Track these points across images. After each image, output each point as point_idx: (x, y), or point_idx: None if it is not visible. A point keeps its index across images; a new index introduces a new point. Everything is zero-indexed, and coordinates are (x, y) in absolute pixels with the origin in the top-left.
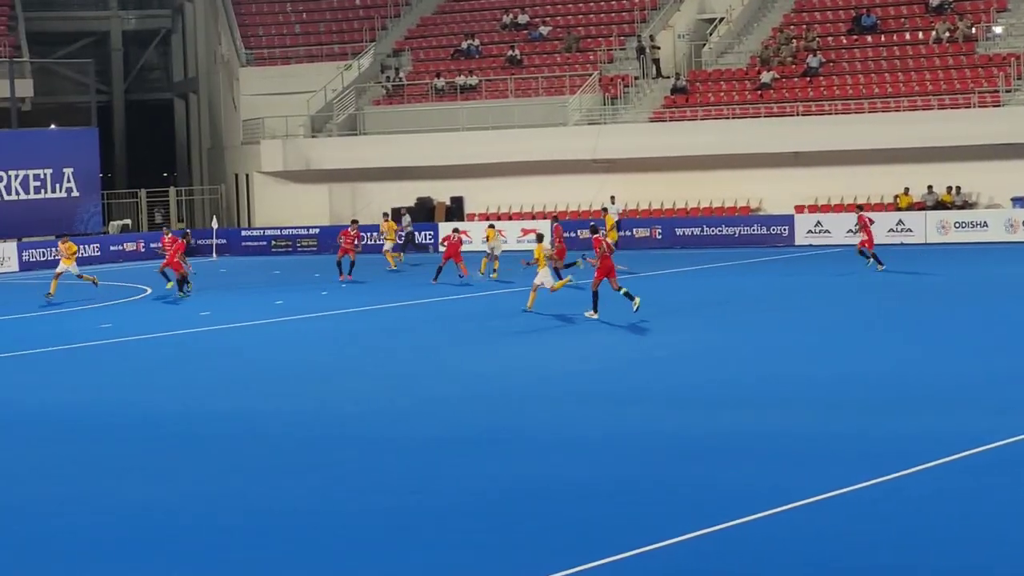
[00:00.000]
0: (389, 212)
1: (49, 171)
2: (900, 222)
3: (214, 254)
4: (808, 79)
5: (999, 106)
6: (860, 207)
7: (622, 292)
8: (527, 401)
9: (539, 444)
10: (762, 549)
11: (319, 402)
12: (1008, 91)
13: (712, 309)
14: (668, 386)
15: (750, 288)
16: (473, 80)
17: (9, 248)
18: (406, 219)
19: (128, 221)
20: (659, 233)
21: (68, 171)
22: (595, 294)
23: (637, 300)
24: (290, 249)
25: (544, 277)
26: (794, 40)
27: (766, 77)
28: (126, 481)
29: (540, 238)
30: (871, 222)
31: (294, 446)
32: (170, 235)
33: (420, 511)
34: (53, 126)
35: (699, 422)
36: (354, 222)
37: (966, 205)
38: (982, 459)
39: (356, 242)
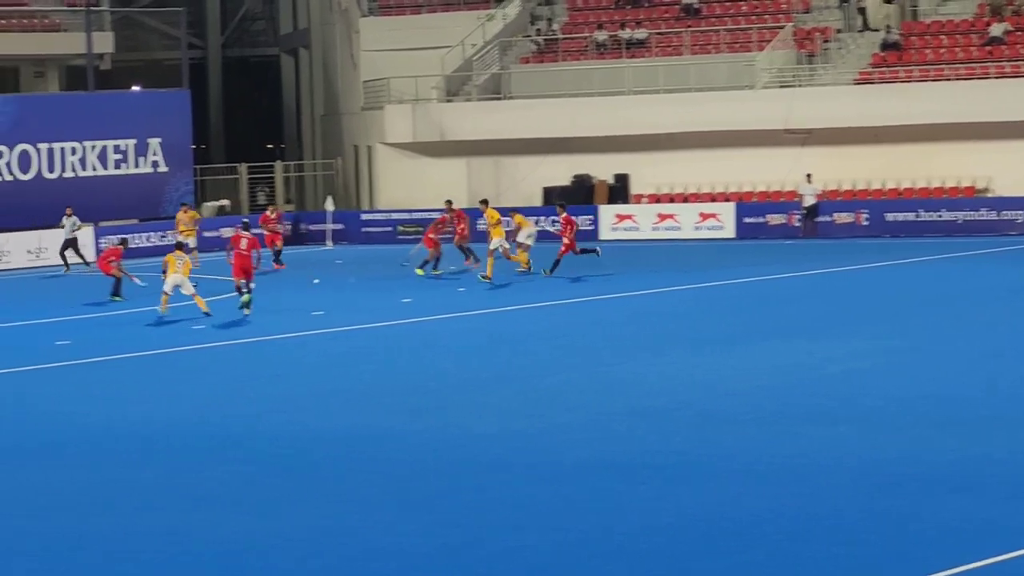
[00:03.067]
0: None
1: (132, 142)
2: None
3: (329, 242)
4: None
5: None
6: (563, 205)
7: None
8: (698, 420)
9: (716, 472)
10: None
11: (451, 420)
12: None
13: (926, 311)
14: (869, 403)
15: (975, 286)
16: (641, 33)
17: (84, 234)
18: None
19: (226, 202)
20: (865, 219)
21: (154, 142)
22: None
23: (245, 298)
24: (420, 236)
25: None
26: None
27: (997, 29)
28: (221, 513)
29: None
30: (573, 226)
31: (419, 473)
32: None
33: (576, 552)
34: (137, 88)
35: (905, 447)
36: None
37: None
38: None
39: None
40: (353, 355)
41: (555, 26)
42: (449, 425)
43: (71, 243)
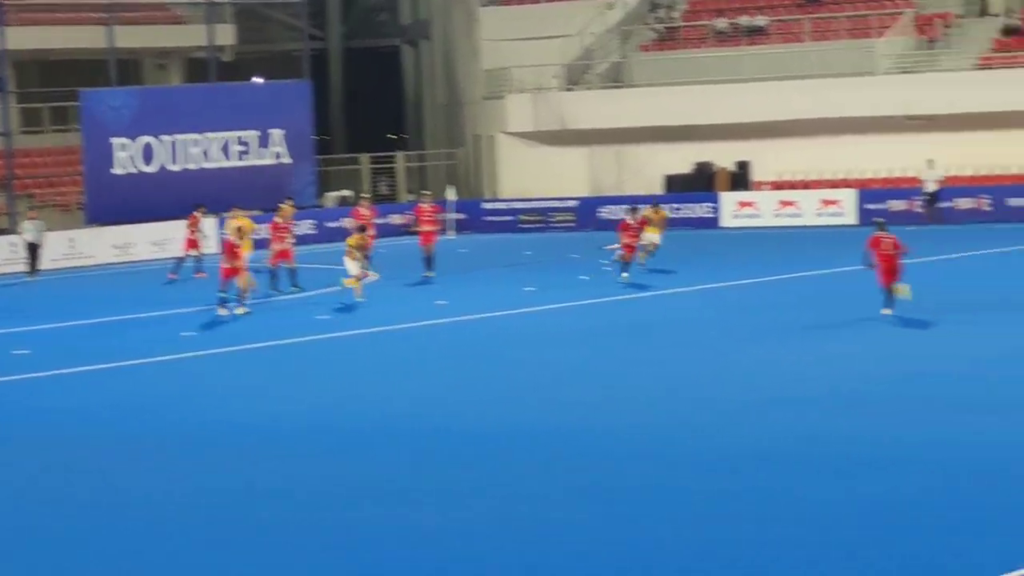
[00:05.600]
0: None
1: (255, 133)
2: None
3: (452, 231)
4: None
5: None
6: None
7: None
8: (836, 408)
9: (871, 460)
10: None
11: (588, 411)
12: None
13: None
14: (1005, 391)
15: None
16: (761, 21)
17: (208, 226)
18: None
19: (348, 192)
20: (987, 204)
21: (277, 133)
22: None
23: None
24: (542, 225)
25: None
26: None
27: None
28: (388, 505)
29: (362, 228)
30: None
31: (566, 465)
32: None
33: (729, 542)
34: (259, 79)
35: None
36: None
37: None
38: None
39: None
40: (477, 345)
41: (675, 14)
42: (582, 418)
43: (35, 247)
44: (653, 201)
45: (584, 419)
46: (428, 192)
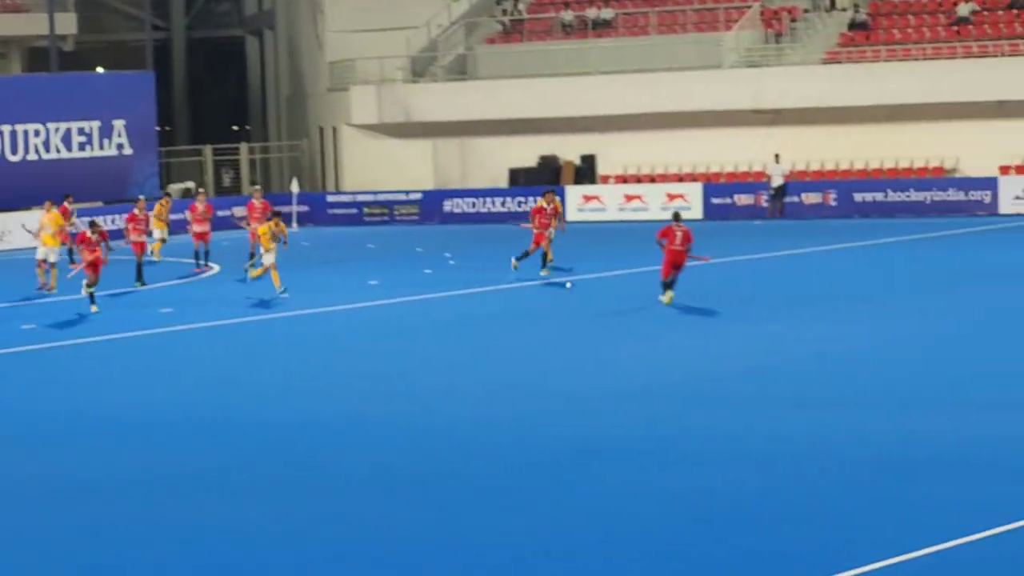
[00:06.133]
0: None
1: (96, 124)
2: None
3: (294, 224)
4: (1016, 12)
5: None
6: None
7: None
8: (680, 404)
9: (707, 455)
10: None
11: (427, 406)
12: None
13: (897, 293)
14: (850, 388)
15: (944, 267)
16: (608, 13)
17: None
18: None
19: (191, 184)
20: (833, 199)
21: (119, 124)
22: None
23: None
24: (387, 218)
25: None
26: None
27: (964, 10)
28: (194, 499)
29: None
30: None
31: (407, 460)
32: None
33: (560, 538)
34: (101, 70)
35: (891, 429)
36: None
37: None
38: None
39: None
40: (321, 339)
41: (521, 6)
42: (424, 411)
43: None
44: (551, 189)
45: (423, 413)
46: (259, 187)
